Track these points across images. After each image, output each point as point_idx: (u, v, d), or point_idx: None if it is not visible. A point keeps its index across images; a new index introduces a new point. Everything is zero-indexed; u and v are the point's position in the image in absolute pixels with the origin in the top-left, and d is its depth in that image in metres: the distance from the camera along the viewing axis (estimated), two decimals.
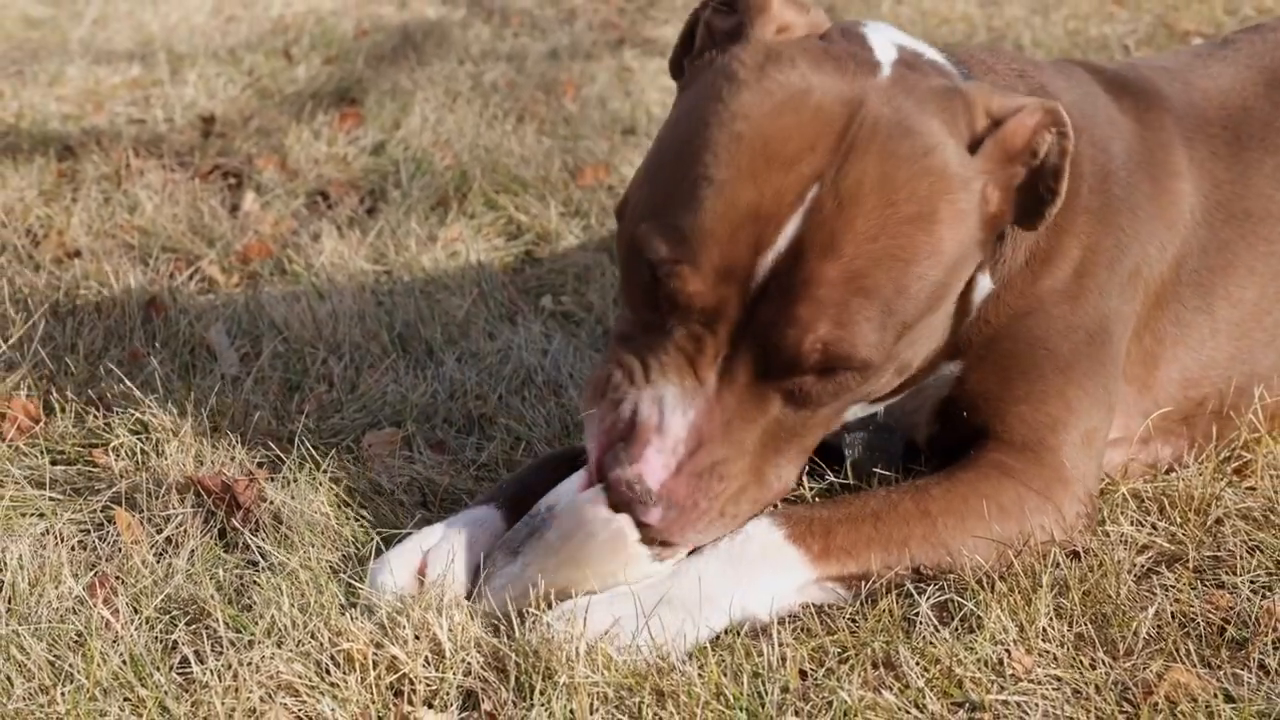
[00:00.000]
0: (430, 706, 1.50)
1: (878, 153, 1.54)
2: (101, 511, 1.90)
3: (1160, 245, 1.89)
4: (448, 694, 1.51)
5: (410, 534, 1.71)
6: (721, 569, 1.60)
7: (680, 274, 1.53)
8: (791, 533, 1.62)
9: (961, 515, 1.66)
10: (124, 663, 1.54)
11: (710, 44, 1.69)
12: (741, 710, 1.46)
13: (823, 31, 1.70)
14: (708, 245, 1.52)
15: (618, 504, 1.56)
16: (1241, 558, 1.70)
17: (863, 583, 1.64)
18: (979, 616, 1.60)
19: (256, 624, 1.59)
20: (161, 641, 1.60)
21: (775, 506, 1.69)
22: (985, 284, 1.75)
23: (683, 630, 1.55)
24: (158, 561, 1.76)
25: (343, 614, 1.60)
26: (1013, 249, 1.77)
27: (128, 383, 2.23)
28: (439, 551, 1.65)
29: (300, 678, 1.51)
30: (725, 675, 1.52)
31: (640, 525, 1.57)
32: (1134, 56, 4.31)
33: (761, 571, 1.60)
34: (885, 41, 1.69)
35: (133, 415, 2.11)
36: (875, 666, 1.55)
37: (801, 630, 1.62)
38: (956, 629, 1.60)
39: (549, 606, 1.57)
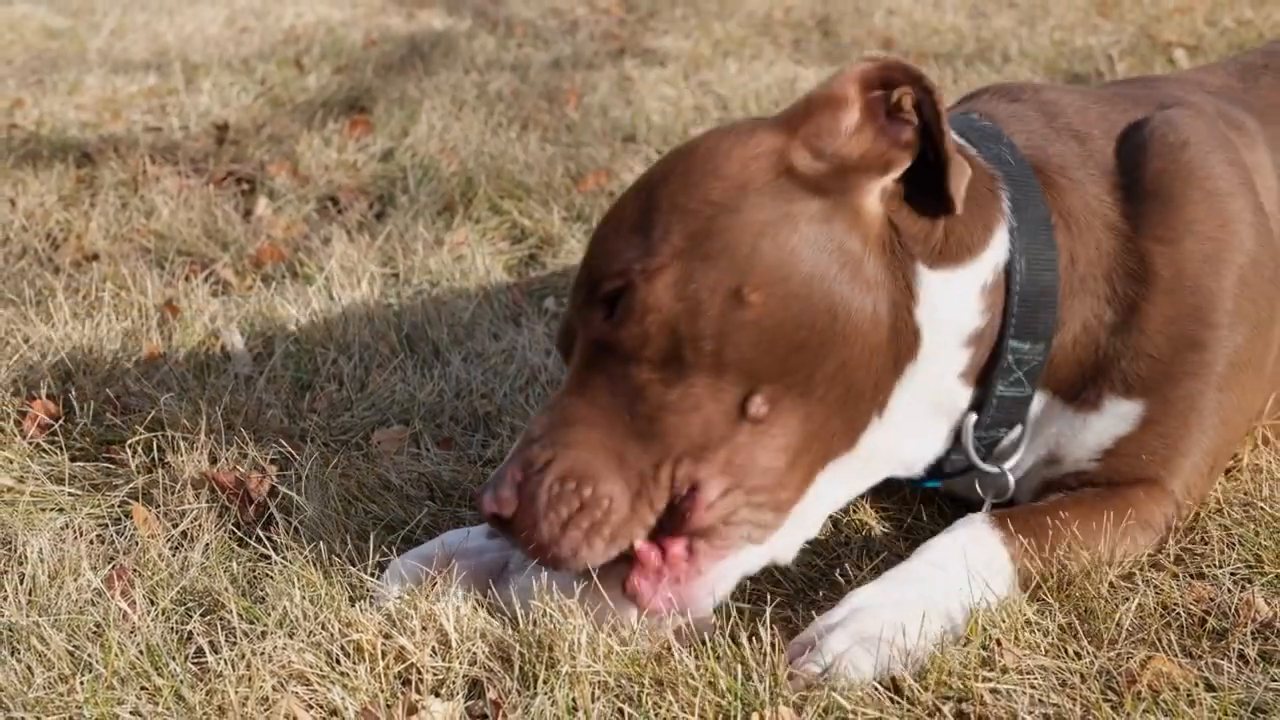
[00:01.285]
0: (437, 695, 1.51)
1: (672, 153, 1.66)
2: (119, 506, 1.94)
3: None
4: (454, 683, 1.52)
5: (425, 541, 1.73)
6: (956, 583, 1.60)
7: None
8: (1014, 553, 1.65)
9: (1124, 546, 1.70)
10: (141, 653, 1.56)
11: None
12: (738, 699, 1.48)
13: None
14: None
15: (513, 542, 1.58)
16: (1221, 551, 1.72)
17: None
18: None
19: (269, 615, 1.61)
20: (177, 632, 1.62)
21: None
22: (934, 280, 1.63)
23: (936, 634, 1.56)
24: (174, 555, 1.79)
25: (352, 605, 1.62)
26: (1122, 280, 1.71)
27: (144, 382, 2.27)
28: (449, 564, 1.65)
29: (311, 667, 1.52)
30: (721, 665, 1.54)
31: (509, 525, 1.56)
32: (1120, 71, 4.34)
33: (984, 583, 1.62)
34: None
35: (149, 413, 2.14)
36: None
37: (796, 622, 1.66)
38: None
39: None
